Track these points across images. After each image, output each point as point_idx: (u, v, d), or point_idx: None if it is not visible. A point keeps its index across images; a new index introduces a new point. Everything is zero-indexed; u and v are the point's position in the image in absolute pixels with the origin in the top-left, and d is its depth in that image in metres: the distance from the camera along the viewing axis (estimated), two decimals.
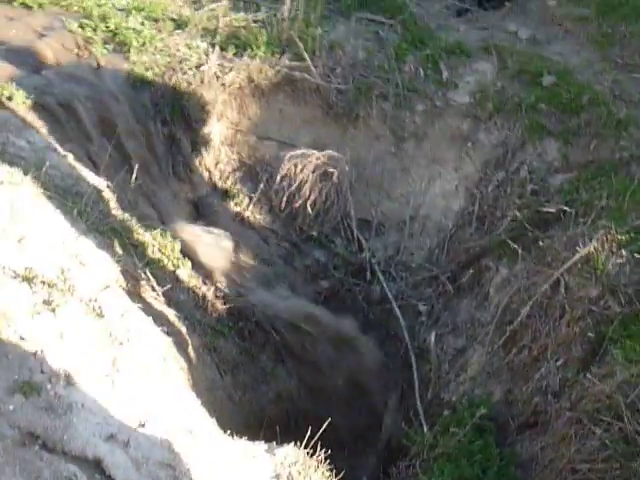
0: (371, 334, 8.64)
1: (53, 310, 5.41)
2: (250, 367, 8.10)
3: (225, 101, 9.13)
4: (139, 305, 6.90)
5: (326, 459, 5.46)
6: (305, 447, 5.49)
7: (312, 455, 5.40)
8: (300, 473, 5.33)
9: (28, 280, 5.49)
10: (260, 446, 5.56)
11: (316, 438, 5.46)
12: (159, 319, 7.17)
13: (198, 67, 9.19)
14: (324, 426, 5.58)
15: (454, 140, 8.90)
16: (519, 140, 8.43)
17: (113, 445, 4.72)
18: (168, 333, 7.11)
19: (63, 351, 5.17)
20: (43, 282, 5.57)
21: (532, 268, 7.36)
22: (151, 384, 5.90)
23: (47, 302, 5.51)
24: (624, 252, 6.78)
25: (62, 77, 8.90)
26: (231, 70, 9.11)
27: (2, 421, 4.49)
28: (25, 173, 6.95)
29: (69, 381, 5.04)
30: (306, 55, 9.05)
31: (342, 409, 8.17)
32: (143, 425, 5.08)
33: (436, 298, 8.47)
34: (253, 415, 7.90)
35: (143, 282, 7.43)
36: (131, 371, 5.65)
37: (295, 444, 5.46)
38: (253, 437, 6.01)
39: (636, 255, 6.74)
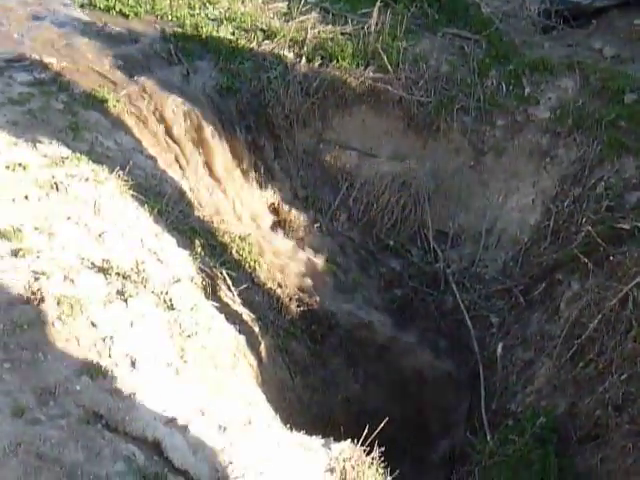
0: (442, 344, 8.68)
1: (125, 300, 5.68)
2: (320, 370, 8.28)
3: (309, 110, 9.30)
4: (213, 302, 7.13)
5: (382, 458, 5.54)
6: (362, 445, 5.58)
7: (368, 453, 5.47)
8: (354, 468, 5.45)
9: (104, 271, 5.79)
10: (317, 440, 5.70)
11: (373, 436, 5.53)
12: (233, 317, 7.39)
13: (284, 76, 9.33)
14: (381, 425, 5.66)
15: (533, 155, 8.96)
16: (597, 156, 8.44)
17: (172, 429, 4.92)
18: (240, 331, 7.32)
19: (132, 338, 5.43)
20: (118, 274, 5.86)
21: (602, 283, 7.38)
22: (217, 376, 6.11)
23: (120, 292, 5.80)
24: None
25: (154, 82, 9.14)
26: (316, 80, 9.24)
27: (69, 400, 4.77)
28: (110, 172, 7.26)
29: (135, 366, 5.28)
30: (389, 67, 9.22)
31: (410, 416, 8.28)
32: (203, 413, 5.28)
33: (508, 310, 8.53)
34: (321, 416, 8.06)
35: (219, 281, 7.64)
36: (197, 362, 5.88)
37: (352, 441, 5.57)
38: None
39: None
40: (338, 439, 6.16)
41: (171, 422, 4.97)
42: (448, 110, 9.27)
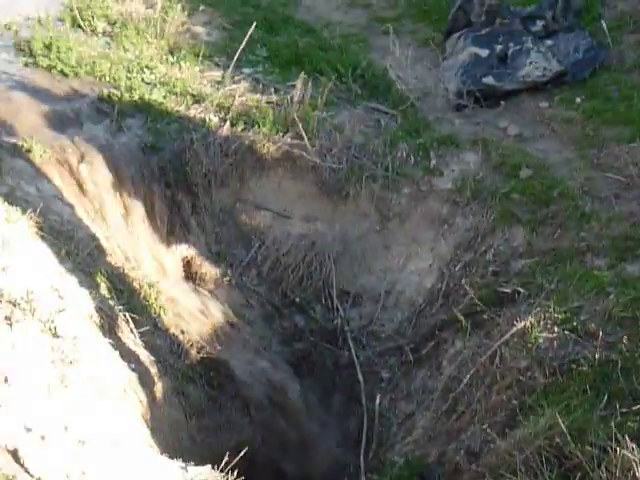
0: (336, 397, 9.09)
1: (10, 325, 6.08)
2: (215, 414, 8.64)
3: (227, 171, 9.84)
4: (109, 340, 7.54)
5: None
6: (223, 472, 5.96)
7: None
8: None
9: None
10: (177, 463, 6.08)
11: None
12: (129, 356, 7.77)
13: (206, 138, 9.89)
14: (241, 453, 6.01)
15: (433, 222, 9.48)
16: (490, 225, 8.97)
17: (31, 439, 5.30)
18: (135, 370, 7.71)
19: (10, 359, 5.83)
20: (9, 301, 6.27)
21: (479, 342, 7.85)
22: (99, 404, 6.48)
23: (7, 317, 6.21)
24: (556, 329, 7.26)
25: (82, 137, 9.69)
26: (235, 143, 9.81)
27: None
28: (23, 213, 7.74)
29: (7, 382, 5.68)
30: (304, 135, 9.75)
31: (298, 465, 8.65)
32: (67, 428, 5.67)
33: (398, 367, 8.96)
34: (213, 457, 8.38)
35: (120, 321, 8.04)
36: (77, 387, 6.26)
37: (213, 467, 5.94)
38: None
39: (566, 332, 7.20)
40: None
41: (30, 432, 5.30)
42: (358, 177, 9.73)
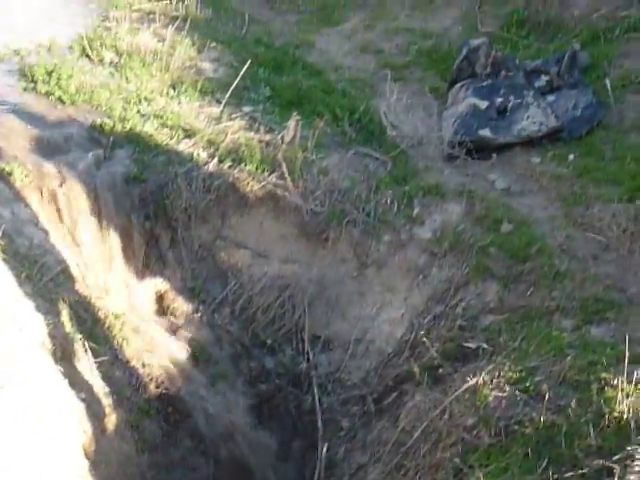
0: (295, 443, 8.93)
1: None
2: (170, 450, 8.50)
3: (208, 206, 9.78)
4: (60, 369, 7.46)
5: None
6: None
7: None
8: None
9: None
10: None
11: None
12: (82, 386, 7.67)
13: (190, 172, 9.86)
14: None
15: (409, 272, 9.34)
16: (464, 278, 8.81)
17: None
18: (86, 400, 7.62)
19: None
20: None
21: (434, 396, 7.66)
22: (30, 431, 6.41)
23: None
24: (508, 388, 7.06)
25: (67, 164, 9.71)
26: (219, 179, 9.76)
27: None
28: None
29: None
30: (287, 175, 9.68)
31: None
32: None
33: (359, 416, 8.79)
34: None
35: (76, 350, 7.95)
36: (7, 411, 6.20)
37: None
38: None
39: (517, 392, 6.99)
40: None
41: None
42: (339, 221, 9.63)
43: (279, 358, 9.56)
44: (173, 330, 9.27)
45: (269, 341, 9.66)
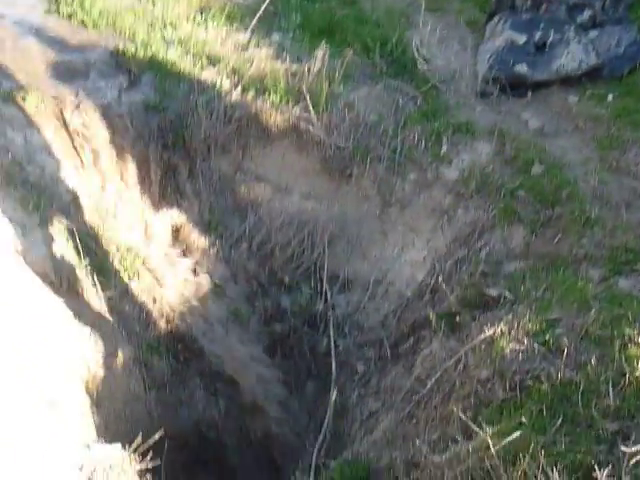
0: (309, 386, 8.67)
1: None
2: (179, 389, 8.29)
3: (229, 137, 9.42)
4: (62, 299, 7.23)
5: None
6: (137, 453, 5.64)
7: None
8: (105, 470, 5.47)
9: None
10: (80, 440, 5.77)
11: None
12: (89, 319, 7.45)
13: (212, 101, 9.48)
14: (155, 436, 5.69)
15: (434, 212, 8.97)
16: (490, 222, 8.41)
17: None
18: (93, 334, 7.40)
19: None
20: None
21: (450, 345, 7.34)
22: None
23: None
24: (526, 340, 6.70)
25: (86, 90, 9.37)
26: (241, 109, 9.38)
27: None
28: None
29: None
30: (311, 108, 9.26)
31: (256, 453, 8.27)
32: None
33: (375, 361, 8.51)
34: (170, 434, 8.05)
35: (84, 284, 7.72)
36: None
37: (124, 446, 5.64)
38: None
39: (536, 345, 6.64)
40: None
41: None
42: (363, 157, 9.20)
43: (296, 297, 9.27)
44: (187, 265, 8.92)
45: (287, 279, 9.36)
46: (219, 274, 9.19)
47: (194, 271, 9.01)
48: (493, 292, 7.84)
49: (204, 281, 8.95)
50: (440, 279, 8.41)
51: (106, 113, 9.25)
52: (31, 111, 8.86)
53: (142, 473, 5.72)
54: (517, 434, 5.63)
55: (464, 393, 6.77)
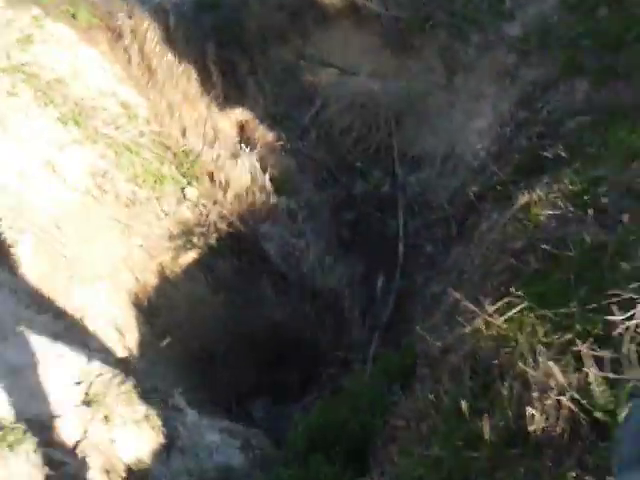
0: (380, 271, 8.41)
1: None
2: (244, 290, 8.23)
3: (287, 26, 9.12)
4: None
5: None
6: None
7: None
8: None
9: None
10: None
11: None
12: (139, 231, 7.50)
13: None
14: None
15: (499, 75, 8.33)
16: (553, 77, 7.73)
17: None
18: (142, 245, 7.46)
19: None
20: None
21: (494, 217, 6.91)
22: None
23: None
24: (562, 204, 6.19)
25: None
26: None
27: None
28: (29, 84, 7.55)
29: None
30: None
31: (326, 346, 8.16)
32: None
33: (442, 241, 8.11)
34: (237, 334, 8.07)
35: (137, 194, 7.75)
36: None
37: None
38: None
39: (572, 209, 6.12)
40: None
41: None
42: (422, 27, 8.70)
43: (366, 181, 8.84)
44: (254, 162, 8.71)
45: (356, 163, 8.90)
46: (286, 167, 8.97)
47: (260, 167, 8.73)
48: (549, 153, 7.16)
49: (270, 177, 8.69)
50: (502, 146, 7.77)
51: (158, 18, 9.02)
52: (82, 26, 8.76)
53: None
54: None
55: (500, 268, 6.28)
